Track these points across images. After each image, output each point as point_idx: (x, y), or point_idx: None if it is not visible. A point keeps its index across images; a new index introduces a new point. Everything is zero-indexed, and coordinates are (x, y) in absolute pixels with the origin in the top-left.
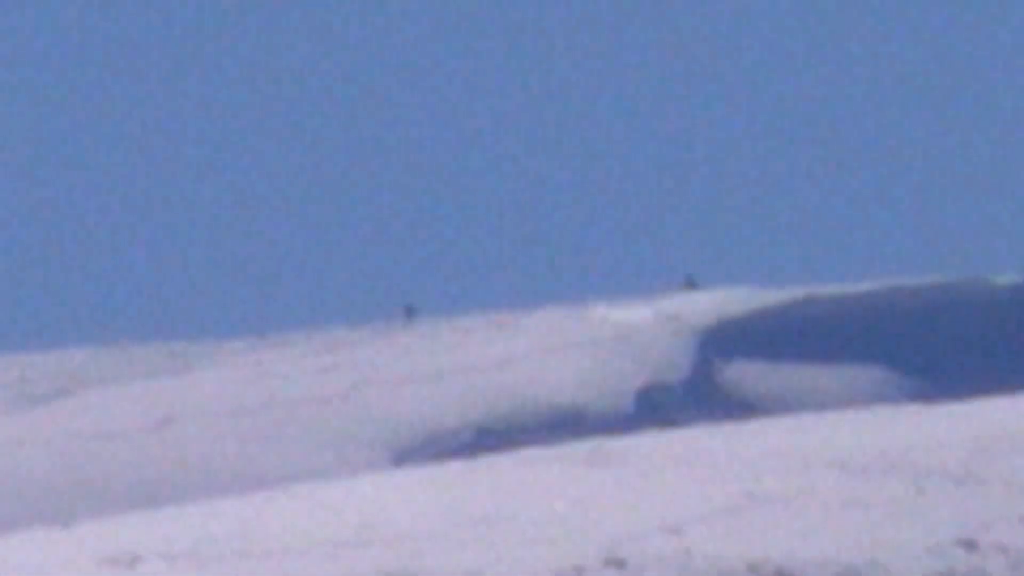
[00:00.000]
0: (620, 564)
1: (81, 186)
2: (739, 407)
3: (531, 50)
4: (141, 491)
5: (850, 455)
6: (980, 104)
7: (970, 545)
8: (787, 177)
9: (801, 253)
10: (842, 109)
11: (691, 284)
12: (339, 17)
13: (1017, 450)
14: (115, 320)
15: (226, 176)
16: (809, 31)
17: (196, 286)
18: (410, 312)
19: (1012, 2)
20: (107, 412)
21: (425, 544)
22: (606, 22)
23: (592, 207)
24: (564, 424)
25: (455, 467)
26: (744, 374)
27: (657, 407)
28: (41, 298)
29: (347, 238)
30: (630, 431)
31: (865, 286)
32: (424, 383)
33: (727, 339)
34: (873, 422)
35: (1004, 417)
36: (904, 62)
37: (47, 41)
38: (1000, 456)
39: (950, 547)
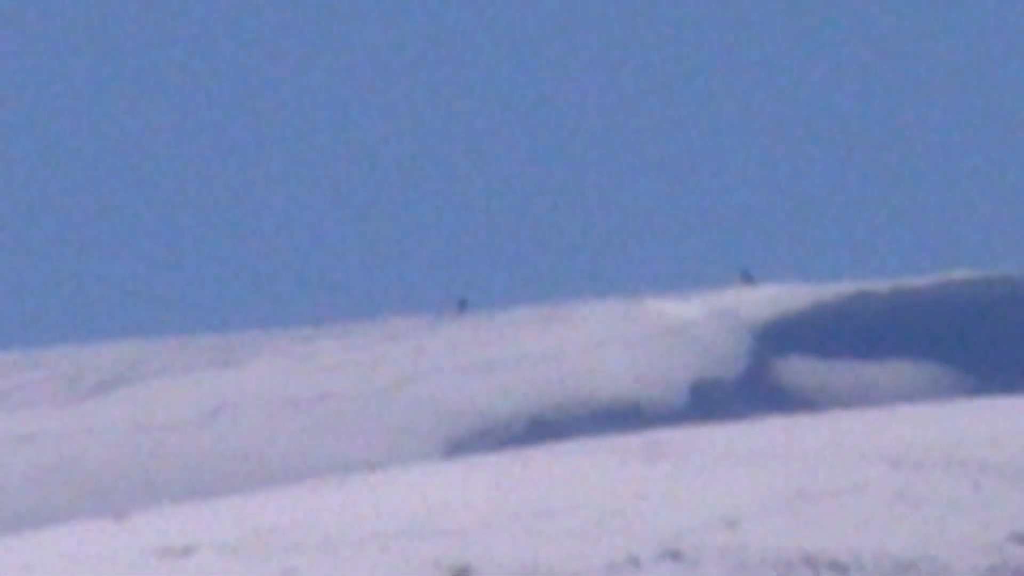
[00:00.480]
0: (676, 556)
1: (134, 181)
2: (793, 402)
3: (566, 35)
4: (194, 482)
5: (904, 450)
6: (1005, 105)
7: (1023, 540)
8: (841, 173)
9: (855, 248)
10: (891, 109)
11: (748, 278)
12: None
13: None
14: (168, 312)
15: (279, 168)
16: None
17: (251, 276)
18: (463, 304)
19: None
20: (159, 404)
21: (478, 536)
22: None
23: (648, 201)
24: (618, 417)
25: (508, 458)
26: (798, 369)
27: (711, 401)
28: (94, 291)
29: (400, 230)
30: (684, 425)
31: (918, 281)
32: (477, 374)
33: (781, 334)
34: (927, 417)
35: None
36: (944, 59)
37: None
38: None
39: (1004, 542)
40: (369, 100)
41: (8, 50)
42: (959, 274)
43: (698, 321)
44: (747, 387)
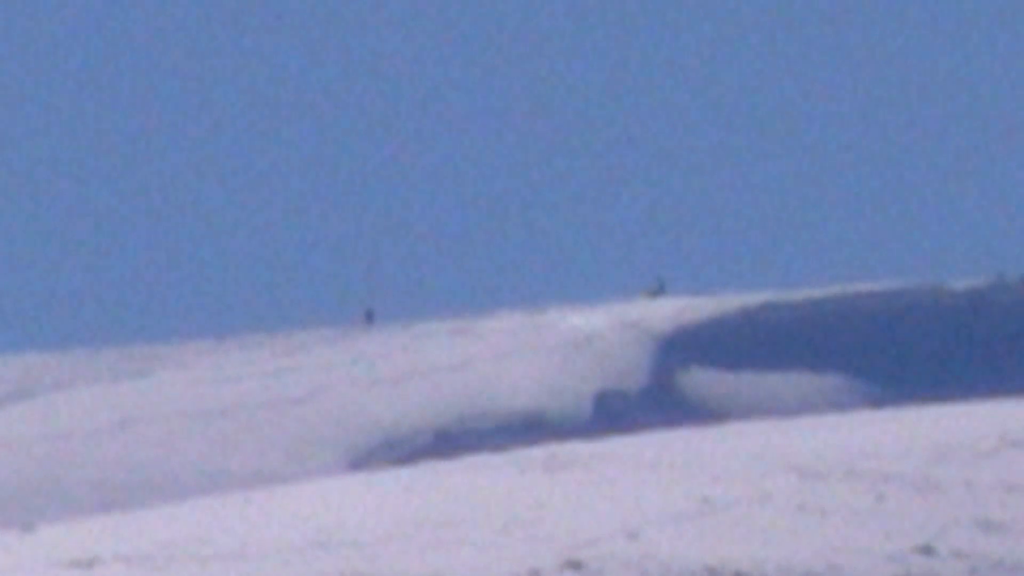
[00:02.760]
0: (577, 567)
1: (44, 190)
2: (698, 413)
3: (495, 50)
4: (100, 494)
5: (809, 461)
6: (936, 111)
7: (928, 551)
8: (747, 184)
9: (759, 260)
10: (801, 116)
11: (660, 288)
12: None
13: (976, 457)
14: (73, 324)
15: (186, 180)
16: (768, 31)
17: (155, 289)
18: (370, 317)
19: (964, 7)
20: (65, 416)
21: (383, 548)
22: (575, 24)
23: (553, 214)
24: (522, 429)
25: (413, 472)
26: (703, 380)
27: (616, 413)
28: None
29: (306, 242)
30: (588, 436)
31: (823, 292)
32: (382, 387)
33: (685, 346)
34: (832, 428)
35: (962, 423)
36: (870, 68)
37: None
38: (958, 463)
39: (908, 553)
40: (270, 107)
41: None
42: (862, 286)
43: (602, 333)
44: (651, 398)
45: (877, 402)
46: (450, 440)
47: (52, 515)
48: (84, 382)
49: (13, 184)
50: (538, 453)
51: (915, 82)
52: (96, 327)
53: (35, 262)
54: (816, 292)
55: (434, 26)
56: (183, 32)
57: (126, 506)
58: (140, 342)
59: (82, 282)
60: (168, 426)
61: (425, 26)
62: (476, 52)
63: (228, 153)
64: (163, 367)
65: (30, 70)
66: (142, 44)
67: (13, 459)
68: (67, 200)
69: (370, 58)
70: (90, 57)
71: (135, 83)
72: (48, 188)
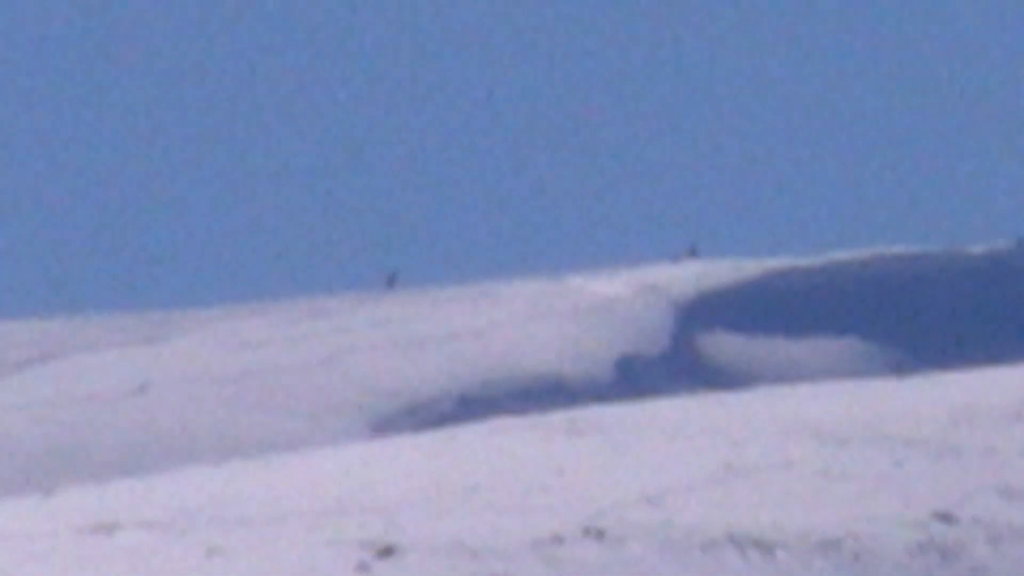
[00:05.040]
0: (599, 534)
1: (57, 155)
2: (718, 378)
3: (502, 27)
4: (119, 458)
5: (829, 427)
6: (952, 77)
7: (947, 518)
8: (767, 148)
9: (780, 224)
10: (815, 82)
11: (693, 251)
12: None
13: (995, 422)
14: (93, 289)
15: (203, 144)
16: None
17: (174, 253)
18: (391, 280)
19: None
20: (85, 380)
21: (405, 514)
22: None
23: (573, 179)
24: (543, 393)
25: (435, 436)
26: (723, 345)
27: (637, 378)
28: (17, 266)
29: (327, 206)
30: (609, 401)
31: (842, 257)
32: (404, 352)
33: (706, 310)
34: (852, 393)
35: (982, 388)
36: (878, 40)
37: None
38: (978, 428)
39: (927, 519)
40: (291, 77)
41: None
42: (884, 250)
43: (622, 298)
44: (672, 363)
45: (898, 367)
46: (471, 405)
47: (72, 479)
48: (103, 346)
49: (37, 153)
50: (559, 418)
51: (936, 44)
52: (115, 292)
53: (54, 227)
54: (836, 257)
55: None
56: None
57: (146, 471)
58: (159, 307)
59: (101, 247)
60: (188, 391)
61: None
62: (500, 20)
63: (249, 117)
64: (183, 332)
65: (32, 38)
66: (147, 15)
67: (33, 424)
68: (88, 167)
69: (389, 22)
70: (97, 24)
71: (148, 54)
72: (69, 157)
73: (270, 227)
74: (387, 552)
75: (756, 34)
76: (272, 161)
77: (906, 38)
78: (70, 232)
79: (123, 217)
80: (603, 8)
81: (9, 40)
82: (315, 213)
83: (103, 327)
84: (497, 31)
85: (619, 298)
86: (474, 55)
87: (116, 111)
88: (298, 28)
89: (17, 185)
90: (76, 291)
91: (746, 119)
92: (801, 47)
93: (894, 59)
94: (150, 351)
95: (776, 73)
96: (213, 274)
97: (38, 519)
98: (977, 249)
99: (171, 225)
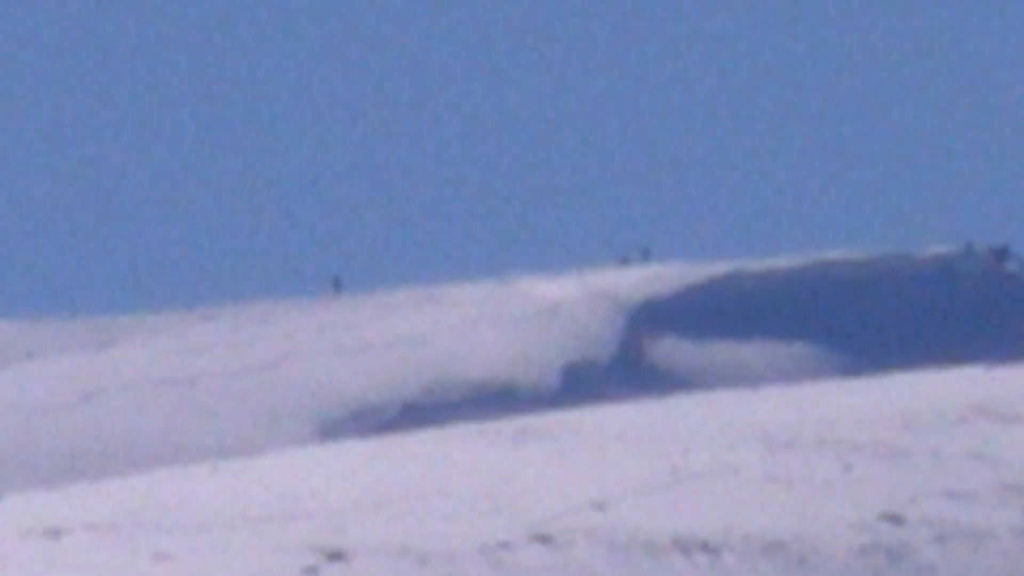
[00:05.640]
0: (546, 540)
1: (6, 165)
2: (667, 383)
3: (459, 26)
4: (66, 464)
5: (777, 430)
6: (904, 79)
7: (896, 519)
8: (717, 152)
9: (731, 228)
10: (767, 85)
11: (646, 255)
12: None
13: (944, 425)
14: (40, 294)
15: (150, 151)
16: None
17: (120, 259)
18: (337, 285)
19: None
20: (32, 386)
21: (350, 519)
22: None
23: (521, 182)
24: (490, 399)
25: (383, 442)
26: (671, 350)
27: (584, 383)
28: None
29: (274, 211)
30: (557, 407)
31: (791, 261)
32: (350, 357)
33: (654, 315)
34: (800, 397)
35: (931, 391)
36: (838, 37)
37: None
38: (927, 431)
39: (876, 521)
40: (239, 82)
41: None
42: (831, 254)
43: (571, 302)
44: (620, 368)
45: (846, 371)
46: (418, 411)
47: (19, 485)
48: (50, 352)
49: None
50: (506, 424)
51: (890, 55)
52: (62, 298)
53: (1, 234)
54: (784, 261)
55: None
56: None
57: (93, 476)
58: (108, 313)
59: (47, 253)
60: (134, 396)
61: None
62: (455, 24)
63: (195, 123)
64: (129, 337)
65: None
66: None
67: None
68: (34, 172)
69: (346, 29)
70: (67, 29)
71: (107, 60)
72: (17, 162)
73: (217, 232)
74: (336, 556)
75: (715, 41)
76: (219, 167)
77: (866, 50)
78: (15, 237)
79: (70, 222)
80: (565, 12)
81: None
82: (262, 218)
83: (49, 332)
84: (454, 34)
85: (567, 302)
86: (430, 56)
87: (67, 116)
88: (244, 46)
89: None
90: (21, 296)
91: (700, 123)
92: (764, 49)
93: (846, 67)
94: (97, 357)
95: (731, 77)
96: (160, 279)
97: None
98: (925, 254)
99: (118, 230)
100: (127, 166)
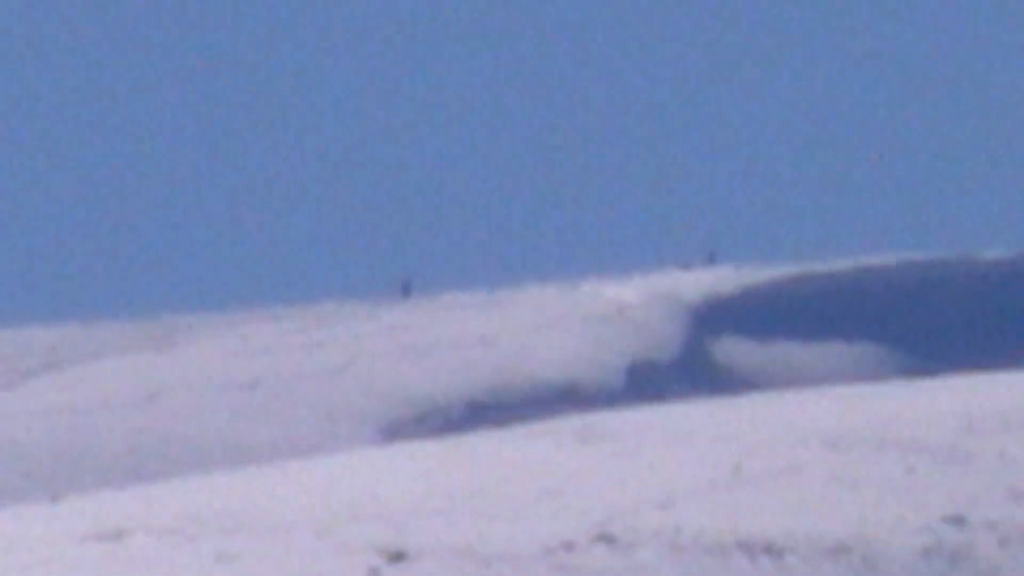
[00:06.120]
0: (610, 540)
1: (68, 166)
2: (729, 383)
3: (507, 34)
4: (130, 465)
5: (839, 431)
6: (961, 82)
7: (959, 521)
8: (778, 156)
9: (791, 231)
10: (827, 90)
11: (712, 259)
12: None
13: (1006, 426)
14: (105, 296)
15: (214, 150)
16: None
17: (185, 260)
18: (406, 288)
19: None
20: (94, 386)
21: (415, 520)
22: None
23: (587, 187)
24: (556, 399)
25: (446, 443)
26: (734, 351)
27: (648, 383)
28: (32, 275)
29: (342, 213)
30: (621, 407)
31: (854, 263)
32: (416, 359)
33: (718, 317)
34: (862, 398)
35: (993, 393)
36: (891, 47)
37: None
38: (989, 432)
39: (939, 524)
40: (307, 81)
41: None
42: (892, 256)
43: (635, 304)
44: (683, 369)
45: (907, 372)
46: (483, 411)
47: (80, 486)
48: (116, 353)
49: (44, 161)
50: (571, 424)
51: (949, 51)
52: (128, 299)
53: (68, 236)
54: (846, 264)
55: None
56: None
57: (155, 477)
58: (171, 314)
59: (116, 254)
60: (197, 397)
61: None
62: (511, 23)
63: (264, 122)
64: (192, 339)
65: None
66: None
67: (42, 430)
68: (98, 174)
69: (404, 28)
70: (102, 25)
71: (156, 57)
72: (80, 164)
73: (282, 233)
74: (398, 557)
75: (769, 45)
76: (288, 168)
77: (919, 44)
78: (80, 239)
79: (134, 223)
80: (623, 14)
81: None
82: (327, 219)
83: (113, 334)
84: (521, 37)
85: (631, 304)
86: (490, 62)
87: (127, 117)
88: (301, 46)
89: (25, 193)
90: (86, 298)
91: (760, 128)
92: (816, 49)
93: (906, 67)
94: (160, 358)
95: (793, 83)
96: (224, 280)
97: (45, 525)
98: (988, 255)
99: (183, 231)
100: (194, 167)
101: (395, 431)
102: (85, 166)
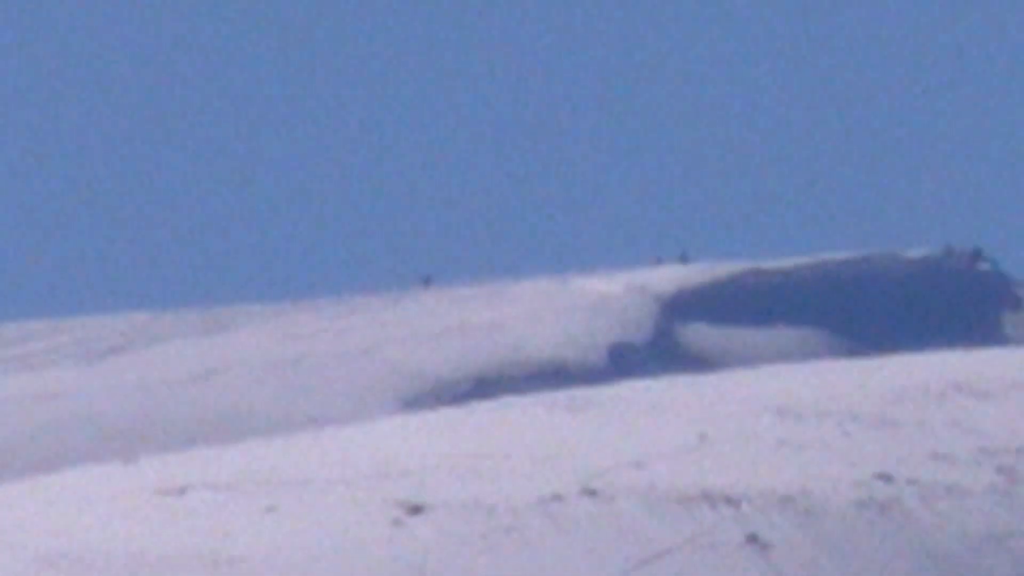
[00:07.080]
0: (593, 493)
1: (140, 181)
2: (695, 363)
3: (512, 35)
4: (189, 433)
5: (787, 403)
6: (894, 85)
7: (887, 478)
8: (736, 168)
9: (746, 233)
10: (775, 98)
11: (684, 259)
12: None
13: (927, 398)
14: (169, 287)
15: (259, 155)
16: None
17: (236, 258)
18: (427, 281)
19: None
20: (162, 365)
21: (430, 477)
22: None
23: (577, 198)
24: (548, 376)
25: (456, 412)
26: (699, 335)
27: (626, 362)
28: (108, 269)
29: (372, 216)
30: (603, 382)
31: (800, 261)
32: (431, 342)
33: (685, 306)
34: (807, 375)
35: (916, 371)
36: (838, 45)
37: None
38: (912, 404)
39: (870, 480)
40: (331, 82)
41: None
42: (832, 255)
43: (615, 295)
44: (656, 350)
45: (845, 353)
46: (488, 386)
47: (151, 450)
48: (178, 337)
49: (117, 173)
50: (561, 396)
51: (877, 63)
52: (188, 290)
53: (133, 236)
54: (794, 261)
55: None
56: None
57: (211, 442)
58: (225, 303)
59: (178, 252)
60: (247, 375)
61: None
62: (508, 20)
63: (296, 129)
64: (245, 325)
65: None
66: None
67: (117, 403)
68: (163, 182)
69: (413, 25)
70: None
71: (205, 53)
72: (145, 178)
73: (321, 236)
74: (417, 510)
75: (735, 54)
76: (331, 184)
77: (854, 57)
78: (147, 240)
79: (194, 227)
80: (611, 15)
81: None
82: (360, 226)
83: (175, 321)
84: (514, 42)
85: (612, 296)
86: (482, 68)
87: (179, 124)
88: (322, 41)
89: (101, 201)
90: (152, 290)
91: (723, 149)
92: (769, 61)
93: (842, 80)
94: (215, 341)
95: (749, 93)
96: (270, 275)
97: (120, 483)
98: (913, 254)
99: (235, 234)
100: (249, 184)
101: (413, 403)
102: (156, 189)
